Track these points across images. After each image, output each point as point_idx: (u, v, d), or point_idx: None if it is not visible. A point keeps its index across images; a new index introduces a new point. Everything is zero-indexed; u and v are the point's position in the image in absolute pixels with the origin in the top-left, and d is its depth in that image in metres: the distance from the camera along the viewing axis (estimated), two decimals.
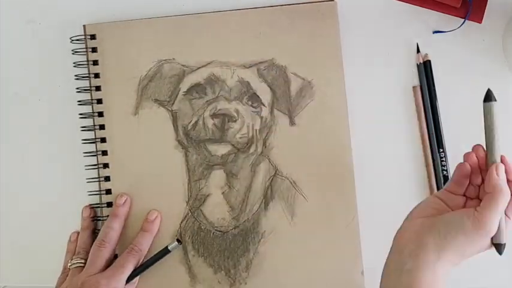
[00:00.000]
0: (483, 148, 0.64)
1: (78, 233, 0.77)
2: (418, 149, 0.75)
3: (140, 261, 0.73)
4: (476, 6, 0.73)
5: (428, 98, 0.75)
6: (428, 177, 0.75)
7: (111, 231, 0.73)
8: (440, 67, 0.75)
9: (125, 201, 0.75)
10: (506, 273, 0.75)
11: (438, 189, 0.74)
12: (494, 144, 0.62)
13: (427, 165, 0.75)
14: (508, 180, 0.61)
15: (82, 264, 0.72)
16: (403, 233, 0.63)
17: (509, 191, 0.60)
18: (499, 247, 0.60)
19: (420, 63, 0.75)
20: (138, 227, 0.75)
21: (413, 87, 0.75)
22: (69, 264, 0.73)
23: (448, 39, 0.75)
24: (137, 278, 0.74)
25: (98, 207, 0.76)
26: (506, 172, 0.61)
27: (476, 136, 0.74)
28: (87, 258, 0.72)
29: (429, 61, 0.75)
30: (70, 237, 0.77)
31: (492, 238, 0.60)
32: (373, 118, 0.75)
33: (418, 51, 0.75)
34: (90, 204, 0.77)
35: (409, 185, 0.75)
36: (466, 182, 0.64)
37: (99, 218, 0.76)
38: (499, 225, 0.59)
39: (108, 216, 0.75)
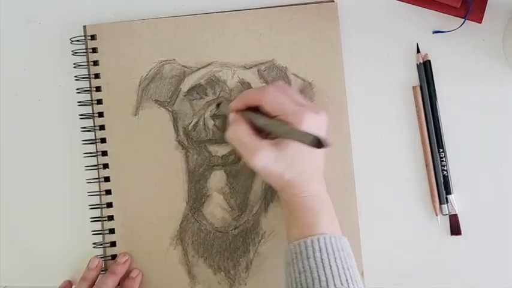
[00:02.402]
0: None
1: (99, 259, 0.76)
2: (418, 149, 0.75)
3: None
4: (476, 6, 0.73)
5: (428, 98, 0.75)
6: (428, 177, 0.75)
7: (105, 287, 0.73)
8: (440, 67, 0.75)
9: (125, 261, 0.75)
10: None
11: (438, 189, 0.74)
12: None
13: (426, 165, 0.75)
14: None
15: None
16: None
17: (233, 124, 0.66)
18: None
19: (420, 63, 0.75)
20: (137, 229, 0.76)
21: (413, 87, 0.75)
22: None
23: (448, 39, 0.75)
24: (140, 275, 0.74)
25: (106, 259, 0.76)
26: None
27: (476, 136, 0.75)
28: None
29: (429, 61, 0.75)
30: (89, 263, 0.75)
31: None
32: (373, 118, 0.75)
33: (418, 51, 0.75)
34: (101, 256, 0.76)
35: (409, 185, 0.75)
36: None
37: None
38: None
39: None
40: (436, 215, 0.75)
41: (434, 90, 0.75)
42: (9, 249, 0.79)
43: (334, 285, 0.59)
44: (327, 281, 0.59)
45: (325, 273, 0.60)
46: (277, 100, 0.65)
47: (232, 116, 0.67)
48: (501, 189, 0.74)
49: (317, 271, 0.60)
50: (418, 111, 0.75)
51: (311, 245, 0.62)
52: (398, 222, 0.75)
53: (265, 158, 0.63)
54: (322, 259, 0.61)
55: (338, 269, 0.60)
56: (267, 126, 0.65)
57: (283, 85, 0.68)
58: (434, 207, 0.75)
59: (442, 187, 0.74)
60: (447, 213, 0.74)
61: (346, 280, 0.60)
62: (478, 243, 0.74)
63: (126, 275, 0.75)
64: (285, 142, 0.64)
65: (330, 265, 0.61)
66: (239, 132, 0.65)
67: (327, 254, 0.61)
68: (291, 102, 0.65)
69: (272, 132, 0.65)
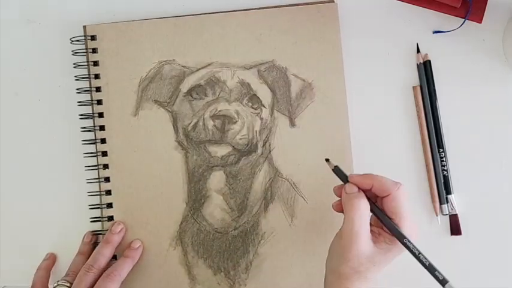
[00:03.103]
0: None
1: (93, 233, 0.76)
2: (418, 149, 0.75)
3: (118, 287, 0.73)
4: (476, 6, 0.72)
5: (428, 98, 0.75)
6: (428, 177, 0.75)
7: (101, 257, 0.73)
8: (440, 67, 0.75)
9: (120, 230, 0.75)
10: None
11: (438, 189, 0.74)
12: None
13: (427, 165, 0.75)
14: (380, 197, 0.65)
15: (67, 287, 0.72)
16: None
17: (360, 200, 0.64)
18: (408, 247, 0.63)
19: (420, 63, 0.75)
20: (137, 230, 0.76)
21: (413, 87, 0.75)
22: (55, 284, 0.72)
23: (448, 39, 0.75)
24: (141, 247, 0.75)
25: (100, 233, 0.76)
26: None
27: (476, 136, 0.75)
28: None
29: (429, 61, 0.75)
30: (84, 237, 0.77)
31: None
32: (373, 118, 0.75)
33: (418, 51, 0.75)
34: (93, 231, 0.77)
35: (409, 185, 0.75)
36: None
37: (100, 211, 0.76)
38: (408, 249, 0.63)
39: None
40: (436, 215, 0.75)
41: (435, 90, 0.75)
42: (9, 249, 0.79)
43: None
44: None
45: None
46: (405, 203, 0.64)
47: (354, 189, 0.65)
48: (501, 189, 0.74)
49: None
50: (418, 111, 0.75)
51: None
52: None
53: (366, 248, 0.63)
54: None
55: None
56: (386, 223, 0.64)
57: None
58: (434, 207, 0.75)
59: (442, 187, 0.74)
60: (447, 213, 0.74)
61: None
62: (478, 243, 0.74)
63: (123, 246, 0.76)
64: (393, 247, 0.64)
65: None
66: (363, 212, 0.64)
67: None
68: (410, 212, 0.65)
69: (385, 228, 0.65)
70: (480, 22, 0.73)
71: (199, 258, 0.75)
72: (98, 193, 0.76)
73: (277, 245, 0.75)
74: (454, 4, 0.71)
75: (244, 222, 0.75)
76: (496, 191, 0.74)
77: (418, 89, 0.75)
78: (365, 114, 0.75)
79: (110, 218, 0.76)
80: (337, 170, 0.67)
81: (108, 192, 0.76)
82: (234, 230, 0.75)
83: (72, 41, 0.77)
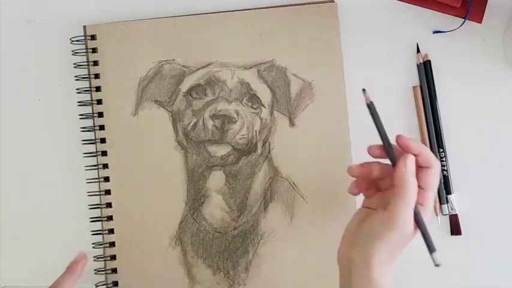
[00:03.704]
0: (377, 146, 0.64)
1: (85, 255, 0.74)
2: None
3: None
4: (476, 6, 0.72)
5: (428, 98, 0.75)
6: None
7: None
8: (440, 67, 0.75)
9: (83, 261, 0.72)
10: None
11: (438, 188, 0.74)
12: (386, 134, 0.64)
13: None
14: (419, 167, 0.62)
15: None
16: (338, 253, 0.64)
17: (415, 183, 0.60)
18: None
19: (420, 63, 0.75)
20: (136, 230, 0.76)
21: (414, 87, 0.75)
22: None
23: (448, 39, 0.75)
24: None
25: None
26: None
27: (476, 136, 0.75)
28: None
29: (429, 61, 0.75)
30: (76, 257, 0.73)
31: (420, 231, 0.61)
32: None
33: (418, 51, 0.75)
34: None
35: None
36: (365, 183, 0.66)
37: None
38: (416, 217, 0.60)
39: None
40: (436, 215, 0.75)
41: (434, 90, 0.75)
42: (9, 249, 0.79)
43: None
44: None
45: None
46: (438, 179, 0.63)
47: (413, 165, 0.61)
48: (501, 189, 0.74)
49: None
50: (418, 111, 0.75)
51: None
52: None
53: (410, 229, 0.60)
54: None
55: None
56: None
57: None
58: (434, 207, 0.74)
59: (442, 187, 0.74)
60: (447, 213, 0.74)
61: None
62: (478, 243, 0.74)
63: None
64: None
65: None
66: (415, 198, 0.60)
67: None
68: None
69: None
70: (480, 22, 0.73)
71: (199, 258, 0.75)
72: (98, 193, 0.76)
73: (276, 245, 0.75)
74: (454, 4, 0.71)
75: (244, 222, 0.75)
76: (496, 191, 0.74)
77: (418, 89, 0.75)
78: (365, 114, 0.75)
79: (110, 218, 0.76)
80: (376, 118, 0.64)
81: (108, 192, 0.76)
82: (234, 229, 0.75)
83: (72, 41, 0.77)
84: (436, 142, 0.74)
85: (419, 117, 0.75)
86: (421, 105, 0.75)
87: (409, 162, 0.61)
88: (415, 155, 0.61)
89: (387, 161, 0.64)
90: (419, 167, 0.62)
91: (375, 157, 0.65)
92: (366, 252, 0.60)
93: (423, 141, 0.75)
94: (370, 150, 0.65)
